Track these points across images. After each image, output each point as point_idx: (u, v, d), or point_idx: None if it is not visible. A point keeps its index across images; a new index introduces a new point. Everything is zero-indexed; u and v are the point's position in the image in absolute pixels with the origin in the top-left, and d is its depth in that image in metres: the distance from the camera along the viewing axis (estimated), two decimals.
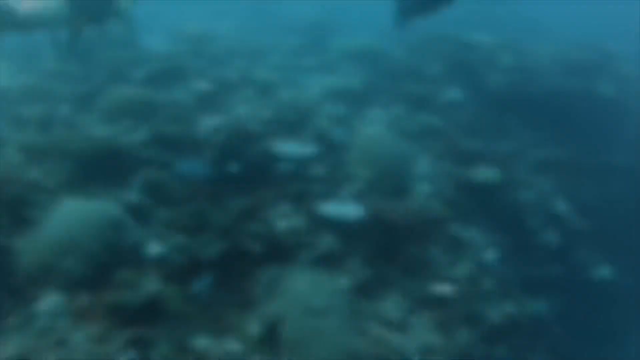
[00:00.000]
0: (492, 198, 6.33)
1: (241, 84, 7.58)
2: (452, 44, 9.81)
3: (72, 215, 3.79)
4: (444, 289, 4.81)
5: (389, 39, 12.81)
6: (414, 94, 8.25)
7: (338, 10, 17.88)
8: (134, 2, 4.51)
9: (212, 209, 4.55)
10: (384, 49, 10.99)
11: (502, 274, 5.78)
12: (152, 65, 7.28)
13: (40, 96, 6.09)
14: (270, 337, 3.72)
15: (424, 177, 6.28)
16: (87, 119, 5.81)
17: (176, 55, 8.49)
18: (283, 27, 13.65)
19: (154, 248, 3.90)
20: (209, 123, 5.80)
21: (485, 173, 6.20)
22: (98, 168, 4.70)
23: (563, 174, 7.37)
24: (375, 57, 10.05)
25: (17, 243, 3.71)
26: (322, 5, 17.19)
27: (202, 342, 3.50)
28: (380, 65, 9.76)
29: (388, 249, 4.99)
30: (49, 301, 3.42)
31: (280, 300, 3.95)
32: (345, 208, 4.99)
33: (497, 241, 5.98)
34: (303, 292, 3.95)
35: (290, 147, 5.41)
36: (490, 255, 5.55)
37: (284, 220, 4.92)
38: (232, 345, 3.55)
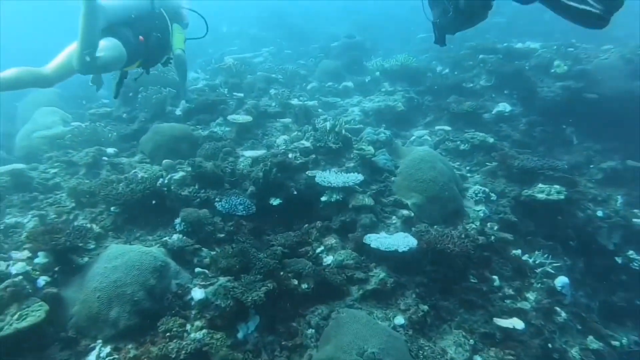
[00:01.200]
0: (556, 218, 5.77)
1: (280, 112, 7.54)
2: (498, 53, 9.34)
3: (117, 262, 3.78)
4: (511, 323, 4.33)
5: (428, 55, 12.54)
6: (461, 109, 7.84)
7: (373, 29, 17.88)
8: (185, 46, 4.47)
9: (255, 247, 4.41)
10: (425, 65, 10.70)
11: (577, 302, 5.19)
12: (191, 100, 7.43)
13: (89, 140, 6.36)
14: None
15: (478, 198, 5.85)
16: (131, 160, 5.96)
17: (214, 88, 8.65)
18: (319, 50, 13.72)
19: (198, 293, 3.77)
20: (248, 156, 5.73)
21: (546, 190, 5.68)
22: (141, 210, 4.73)
23: (637, 186, 6.65)
24: (416, 74, 9.75)
25: (66, 292, 3.74)
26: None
27: None
28: (421, 83, 9.45)
29: (445, 281, 4.62)
30: (97, 354, 3.37)
31: (331, 343, 3.68)
32: (395, 238, 4.68)
33: (567, 266, 5.42)
34: (356, 333, 3.66)
35: (332, 176, 5.20)
36: (561, 282, 4.98)
37: (331, 254, 4.70)
38: None
